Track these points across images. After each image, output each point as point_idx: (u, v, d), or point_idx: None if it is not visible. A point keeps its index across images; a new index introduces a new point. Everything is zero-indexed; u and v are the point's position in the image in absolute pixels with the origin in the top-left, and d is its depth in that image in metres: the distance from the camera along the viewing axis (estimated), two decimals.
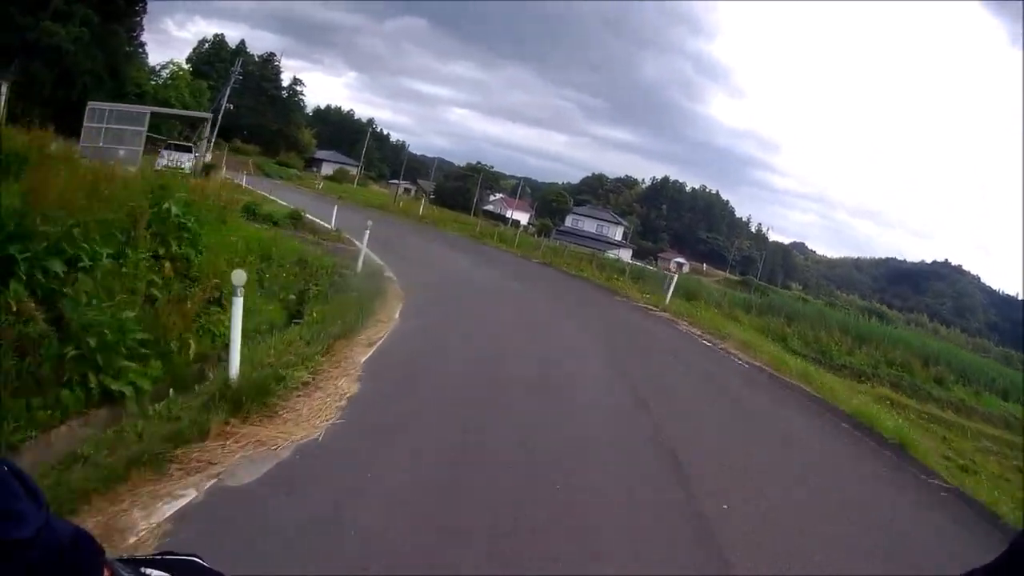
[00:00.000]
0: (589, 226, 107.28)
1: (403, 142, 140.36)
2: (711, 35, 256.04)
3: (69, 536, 0.70)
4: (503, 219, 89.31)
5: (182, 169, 25.06)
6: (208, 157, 51.18)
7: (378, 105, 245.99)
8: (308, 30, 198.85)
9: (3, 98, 39.85)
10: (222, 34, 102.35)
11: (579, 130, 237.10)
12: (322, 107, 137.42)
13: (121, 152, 35.63)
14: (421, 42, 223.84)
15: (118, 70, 68.83)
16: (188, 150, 41.55)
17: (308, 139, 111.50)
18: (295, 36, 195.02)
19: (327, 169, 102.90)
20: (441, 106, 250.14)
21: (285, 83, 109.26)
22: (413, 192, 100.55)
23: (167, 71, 77.44)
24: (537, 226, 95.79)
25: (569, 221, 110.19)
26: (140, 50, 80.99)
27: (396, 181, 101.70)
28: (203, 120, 48.17)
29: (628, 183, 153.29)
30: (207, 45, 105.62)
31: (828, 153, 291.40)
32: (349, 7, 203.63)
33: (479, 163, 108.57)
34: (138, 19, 76.95)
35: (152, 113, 41.58)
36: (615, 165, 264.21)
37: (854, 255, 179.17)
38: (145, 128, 38.04)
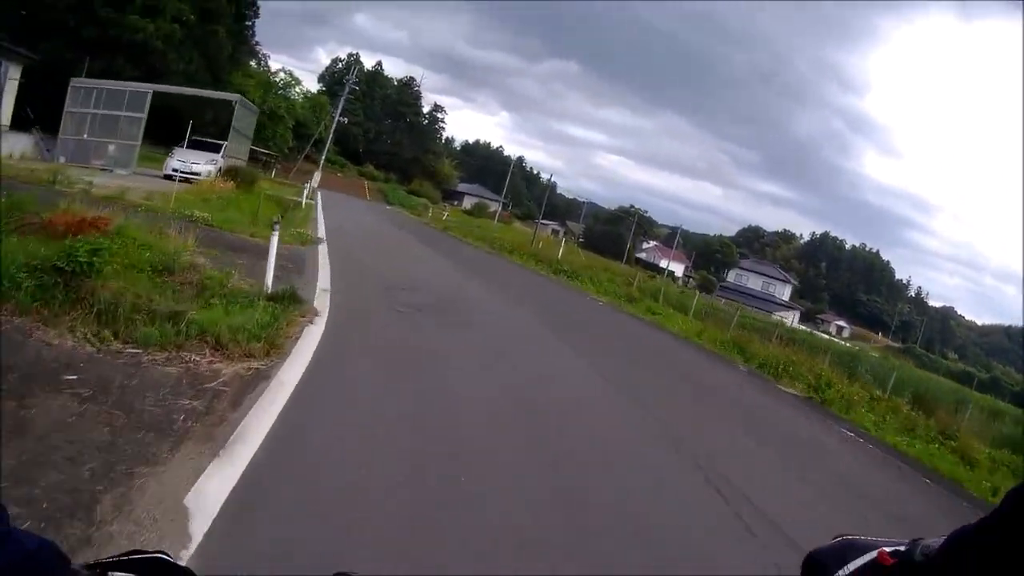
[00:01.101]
0: (754, 282, 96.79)
1: (552, 181, 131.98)
2: (861, 92, 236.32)
3: (31, 547, 0.70)
4: (657, 269, 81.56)
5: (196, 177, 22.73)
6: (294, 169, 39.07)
7: (529, 145, 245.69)
8: (462, 68, 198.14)
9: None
10: (356, 54, 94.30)
11: (732, 182, 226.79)
12: (471, 142, 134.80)
13: (111, 149, 23.61)
14: (574, 85, 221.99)
15: (218, 74, 59.55)
16: (215, 149, 28.99)
17: (448, 170, 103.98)
18: (450, 73, 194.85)
19: (468, 203, 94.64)
20: (592, 150, 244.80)
21: (425, 109, 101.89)
22: (561, 234, 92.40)
23: (279, 78, 67.24)
24: (697, 279, 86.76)
25: (732, 276, 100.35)
26: (253, 56, 73.11)
27: (544, 221, 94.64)
28: (243, 112, 35.55)
29: (785, 237, 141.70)
30: (340, 64, 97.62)
31: (978, 214, 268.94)
32: (505, 47, 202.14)
33: (632, 207, 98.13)
34: (247, 22, 68.84)
35: (165, 95, 28.85)
36: (767, 219, 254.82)
37: (1004, 322, 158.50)
38: (144, 115, 25.70)
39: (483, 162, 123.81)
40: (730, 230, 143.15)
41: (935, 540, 0.77)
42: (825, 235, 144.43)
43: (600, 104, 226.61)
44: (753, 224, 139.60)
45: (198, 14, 61.25)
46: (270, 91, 66.13)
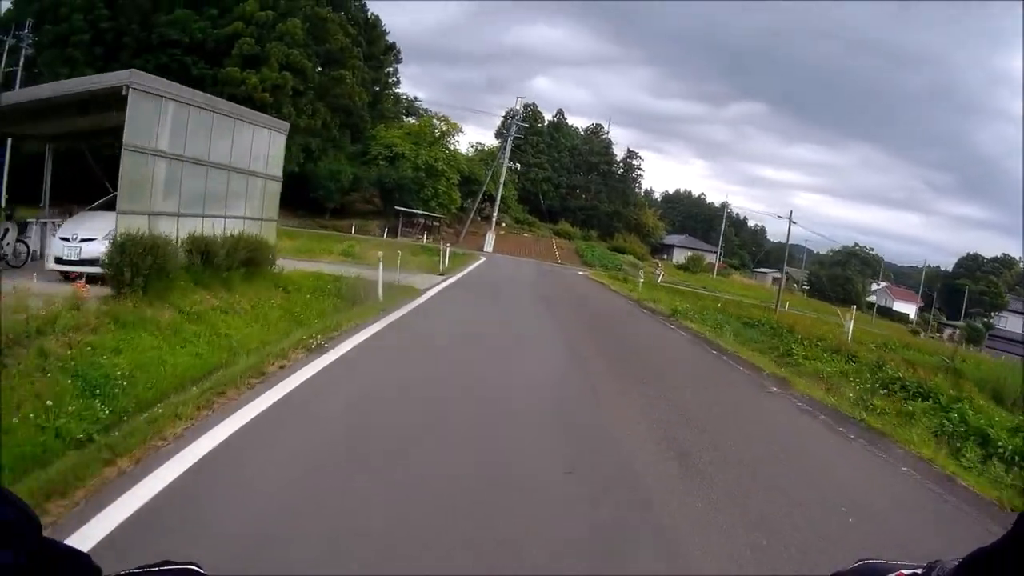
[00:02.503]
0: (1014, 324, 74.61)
1: (761, 226, 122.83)
2: None
3: (66, 557, 0.72)
4: (890, 313, 75.65)
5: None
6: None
7: (728, 192, 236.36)
8: (649, 120, 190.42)
9: None
10: (533, 103, 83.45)
11: (929, 208, 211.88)
12: (670, 191, 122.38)
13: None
14: (763, 126, 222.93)
15: (356, 126, 49.95)
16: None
17: (653, 222, 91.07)
18: (637, 127, 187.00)
19: (679, 256, 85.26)
20: (789, 190, 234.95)
21: (618, 157, 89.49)
22: (783, 282, 78.45)
23: (432, 127, 56.54)
24: (965, 331, 65.32)
25: (1002, 321, 77.49)
26: (411, 113, 63.93)
27: (763, 270, 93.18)
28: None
29: (1006, 263, 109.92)
30: (517, 117, 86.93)
31: None
32: (690, 95, 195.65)
33: (856, 246, 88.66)
34: (387, 69, 59.56)
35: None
36: (969, 244, 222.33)
37: None
38: None
39: (685, 213, 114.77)
40: (935, 260, 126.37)
41: (952, 561, 0.78)
42: None
43: (791, 142, 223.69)
44: (971, 252, 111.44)
45: (317, 59, 52.70)
46: (423, 142, 55.33)
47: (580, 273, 42.66)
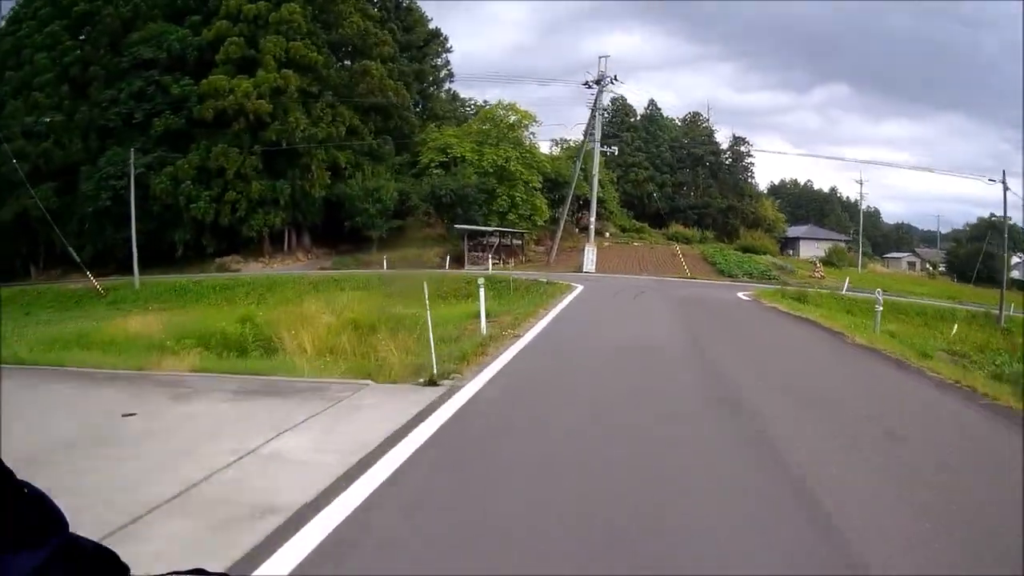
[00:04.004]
0: None
1: (875, 208, 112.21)
2: None
3: (92, 554, 0.71)
4: None
5: None
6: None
7: (830, 178, 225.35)
8: (736, 115, 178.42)
9: None
10: (622, 96, 70.60)
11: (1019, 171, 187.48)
12: (775, 182, 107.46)
13: None
14: (849, 106, 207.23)
15: (399, 131, 37.23)
16: None
17: (774, 214, 78.09)
18: (723, 122, 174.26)
19: (806, 250, 72.20)
20: (883, 169, 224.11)
21: (723, 146, 76.44)
22: (916, 267, 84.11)
23: (497, 115, 42.73)
24: None
25: None
26: (454, 102, 50.23)
27: (896, 255, 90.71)
28: None
29: None
30: (605, 113, 73.43)
31: None
32: (772, 85, 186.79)
33: (993, 216, 72.07)
34: (436, 61, 46.56)
35: None
36: None
37: None
38: None
39: (794, 202, 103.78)
40: None
41: None
42: None
43: (880, 119, 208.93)
44: None
45: (330, 50, 40.21)
46: (488, 140, 41.37)
47: (743, 298, 24.26)
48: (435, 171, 41.17)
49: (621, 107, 71.77)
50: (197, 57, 39.62)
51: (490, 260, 36.43)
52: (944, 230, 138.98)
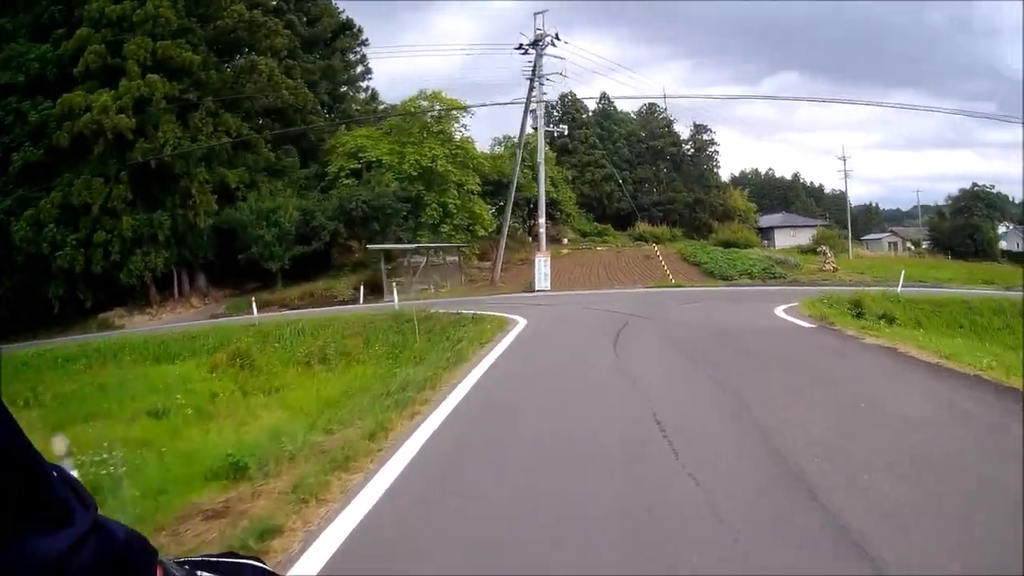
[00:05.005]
0: None
1: (841, 191, 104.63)
2: None
3: (121, 537, 0.71)
4: None
5: None
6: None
7: (791, 165, 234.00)
8: (692, 112, 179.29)
9: None
10: (571, 92, 65.39)
11: (978, 140, 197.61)
12: (736, 174, 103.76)
13: None
14: (801, 93, 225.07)
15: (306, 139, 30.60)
16: None
17: (744, 204, 74.48)
18: (681, 120, 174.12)
19: (782, 239, 69.18)
20: (841, 152, 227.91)
21: (684, 136, 73.39)
22: (898, 248, 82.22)
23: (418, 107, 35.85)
24: None
25: None
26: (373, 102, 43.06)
27: (875, 236, 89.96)
28: None
29: None
30: (555, 111, 67.90)
31: None
32: (724, 79, 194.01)
33: (976, 186, 76.79)
34: (349, 56, 39.84)
35: None
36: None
37: None
38: None
39: (759, 192, 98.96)
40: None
41: None
42: None
43: (831, 104, 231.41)
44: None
45: (208, 48, 33.32)
46: (409, 138, 34.34)
47: (792, 320, 14.82)
48: (346, 181, 33.76)
49: (572, 103, 66.71)
50: (56, 75, 32.43)
51: (415, 286, 28.92)
52: (905, 207, 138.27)
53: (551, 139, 60.72)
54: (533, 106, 33.63)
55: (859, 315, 14.79)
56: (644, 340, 12.08)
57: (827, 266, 37.78)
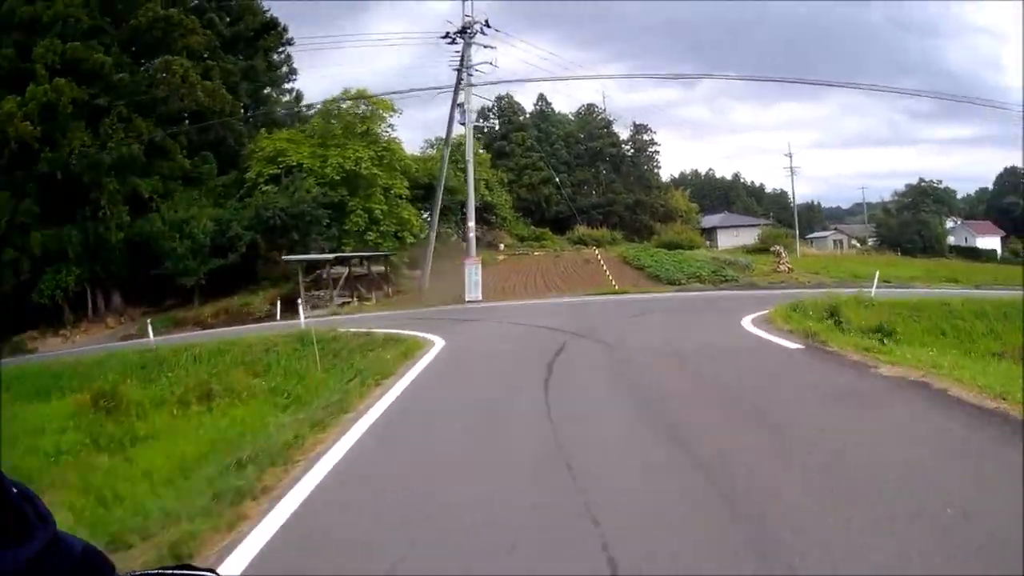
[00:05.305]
0: None
1: (781, 190, 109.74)
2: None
3: (79, 551, 0.72)
4: (976, 253, 69.85)
5: None
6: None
7: (733, 167, 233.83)
8: (629, 115, 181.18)
9: None
10: (507, 94, 65.51)
11: (915, 138, 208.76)
12: (676, 175, 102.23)
13: None
14: (737, 95, 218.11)
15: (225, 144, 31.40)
16: None
17: (686, 204, 74.40)
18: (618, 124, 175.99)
19: (727, 240, 68.09)
20: (783, 152, 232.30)
21: (623, 137, 72.11)
22: (843, 245, 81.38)
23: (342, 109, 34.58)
24: None
25: None
26: (297, 103, 41.54)
27: (820, 234, 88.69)
28: None
29: None
30: (491, 114, 66.88)
31: None
32: (658, 82, 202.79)
33: (923, 182, 76.38)
34: (274, 57, 38.55)
35: None
36: (965, 164, 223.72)
37: None
38: None
39: (699, 192, 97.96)
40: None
41: None
42: None
43: (769, 104, 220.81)
44: (1008, 166, 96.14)
45: (121, 48, 31.81)
46: (333, 140, 32.99)
47: (771, 339, 12.14)
48: (264, 188, 32.15)
49: (508, 105, 66.43)
50: None
51: (335, 299, 27.61)
52: (845, 205, 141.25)
53: (489, 142, 60.03)
54: (461, 99, 32.24)
55: (837, 323, 13.57)
56: (586, 378, 9.52)
57: (781, 267, 36.99)
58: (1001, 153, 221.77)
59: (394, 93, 43.53)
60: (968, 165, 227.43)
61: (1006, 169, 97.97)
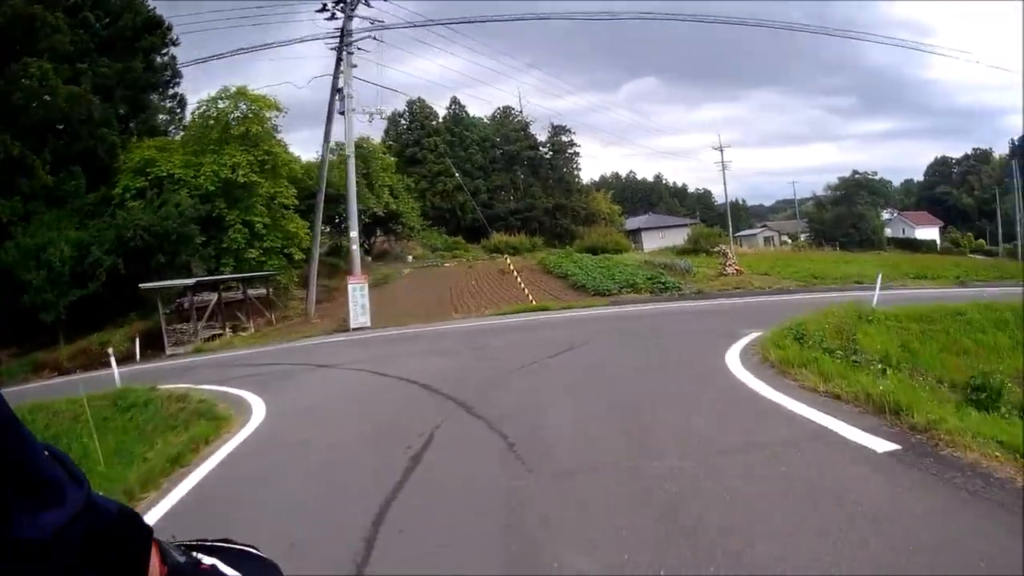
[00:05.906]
0: None
1: (706, 190, 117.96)
2: None
3: (115, 514, 0.71)
4: (914, 244, 71.41)
5: None
6: None
7: (655, 168, 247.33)
8: (550, 120, 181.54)
9: None
10: (419, 97, 64.82)
11: (838, 134, 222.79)
12: (596, 179, 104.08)
13: None
14: (659, 98, 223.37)
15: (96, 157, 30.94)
16: None
17: (608, 207, 73.52)
18: (541, 130, 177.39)
19: (650, 241, 67.59)
20: (706, 152, 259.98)
21: (541, 139, 70.61)
22: (775, 241, 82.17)
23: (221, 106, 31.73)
24: None
25: None
26: (180, 110, 38.69)
27: (749, 232, 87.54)
28: None
29: (979, 158, 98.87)
30: (403, 120, 64.48)
31: None
32: (579, 87, 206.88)
33: (857, 174, 76.41)
34: (154, 58, 35.72)
35: None
36: (889, 158, 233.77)
37: None
38: None
39: (619, 194, 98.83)
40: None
41: None
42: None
43: (692, 106, 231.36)
44: (939, 156, 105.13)
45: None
46: (207, 147, 30.32)
47: (776, 397, 7.72)
48: (132, 203, 28.69)
49: (420, 111, 64.64)
50: None
51: (200, 332, 24.90)
52: (768, 203, 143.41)
53: (401, 149, 57.71)
54: (341, 83, 29.52)
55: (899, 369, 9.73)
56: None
57: (729, 269, 34.24)
58: (921, 145, 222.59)
59: (268, 86, 40.87)
60: (892, 158, 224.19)
61: (936, 159, 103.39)
